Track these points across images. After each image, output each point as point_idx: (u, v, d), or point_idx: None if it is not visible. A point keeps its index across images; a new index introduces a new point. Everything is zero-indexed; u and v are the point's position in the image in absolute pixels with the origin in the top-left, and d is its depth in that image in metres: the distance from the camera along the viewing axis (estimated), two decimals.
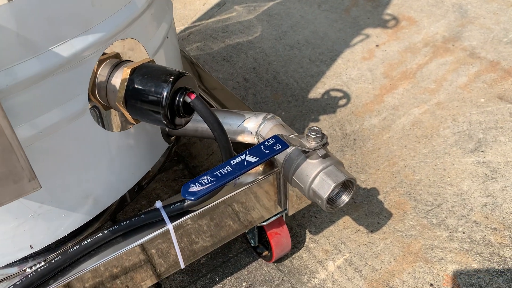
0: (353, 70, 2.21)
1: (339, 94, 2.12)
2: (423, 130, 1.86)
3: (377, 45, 2.33)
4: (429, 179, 1.67)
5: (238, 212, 1.21)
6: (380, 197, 1.64)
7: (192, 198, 0.83)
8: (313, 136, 1.00)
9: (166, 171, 1.86)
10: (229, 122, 1.20)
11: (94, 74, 0.94)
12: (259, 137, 1.18)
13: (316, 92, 2.14)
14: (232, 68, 2.37)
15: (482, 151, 1.74)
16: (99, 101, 0.98)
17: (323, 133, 1.01)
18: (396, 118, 1.93)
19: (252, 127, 1.18)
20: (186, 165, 1.88)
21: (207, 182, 0.87)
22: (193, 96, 0.93)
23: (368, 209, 1.61)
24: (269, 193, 1.23)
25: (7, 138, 0.68)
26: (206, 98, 1.44)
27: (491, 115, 1.87)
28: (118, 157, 1.06)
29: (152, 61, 0.98)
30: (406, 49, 2.28)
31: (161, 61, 1.15)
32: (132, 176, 1.14)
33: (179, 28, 2.73)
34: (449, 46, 2.25)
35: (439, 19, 2.44)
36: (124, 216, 1.71)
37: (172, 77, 0.91)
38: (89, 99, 0.94)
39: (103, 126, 0.99)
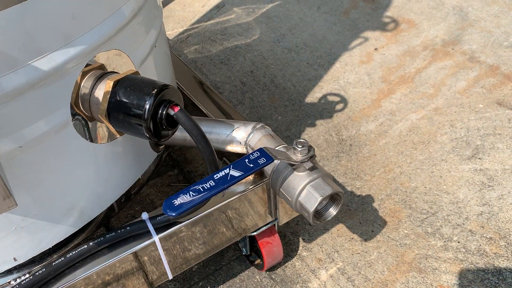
0: (351, 74, 2.19)
1: (336, 99, 2.10)
2: (420, 136, 1.84)
3: (375, 49, 2.31)
4: (425, 187, 1.65)
5: (228, 222, 1.20)
6: (375, 204, 1.63)
7: (173, 214, 0.82)
8: (299, 149, 0.98)
9: (161, 176, 1.85)
10: (218, 132, 1.19)
11: (78, 86, 0.93)
12: (248, 147, 1.16)
13: (313, 96, 2.12)
14: (229, 71, 2.35)
15: (479, 158, 1.71)
16: (83, 112, 0.96)
17: (310, 146, 1.00)
18: (393, 124, 1.91)
19: (241, 137, 1.17)
20: (181, 170, 1.87)
21: (189, 197, 0.86)
22: (176, 109, 0.92)
23: (362, 216, 1.59)
24: (259, 203, 1.21)
25: None
26: (200, 107, 1.43)
27: (489, 121, 1.84)
28: (104, 168, 1.05)
29: (137, 72, 0.97)
30: (405, 53, 2.25)
31: (149, 70, 1.14)
32: (119, 186, 1.13)
33: (177, 30, 2.72)
34: (448, 49, 2.22)
35: (439, 22, 2.41)
36: (117, 221, 1.70)
37: (155, 90, 0.90)
38: (73, 111, 0.93)
39: (88, 138, 0.98)
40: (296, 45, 2.44)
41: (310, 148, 1.00)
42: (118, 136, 1.00)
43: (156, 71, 1.20)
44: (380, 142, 1.85)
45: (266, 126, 1.19)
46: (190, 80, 1.71)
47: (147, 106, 0.89)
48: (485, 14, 2.41)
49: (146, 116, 0.89)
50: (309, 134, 1.94)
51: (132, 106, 0.90)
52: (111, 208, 1.12)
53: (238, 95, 2.20)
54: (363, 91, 2.09)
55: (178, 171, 1.87)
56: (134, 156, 1.14)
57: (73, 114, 0.94)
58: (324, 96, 2.12)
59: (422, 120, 1.91)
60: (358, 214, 1.60)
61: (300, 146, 0.98)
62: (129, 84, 0.92)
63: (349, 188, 1.69)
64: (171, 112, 0.92)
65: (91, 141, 0.99)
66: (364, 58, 2.27)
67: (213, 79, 2.31)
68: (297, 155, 0.99)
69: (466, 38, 2.28)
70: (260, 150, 0.93)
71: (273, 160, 0.92)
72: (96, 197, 1.06)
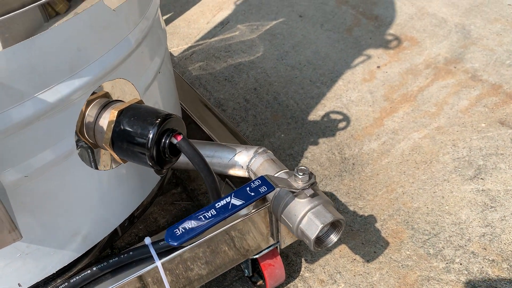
0: (353, 92, 2.21)
1: (339, 117, 2.11)
2: (422, 156, 1.85)
3: (378, 66, 2.33)
4: (427, 207, 1.65)
5: (230, 245, 1.21)
6: (377, 225, 1.63)
7: (175, 244, 0.83)
8: (300, 176, 0.99)
9: (164, 194, 1.86)
10: (220, 156, 1.20)
11: (82, 114, 0.95)
12: (250, 171, 1.18)
13: (316, 114, 2.14)
14: (233, 88, 2.37)
15: (481, 178, 1.72)
16: (88, 140, 0.98)
17: (310, 173, 1.01)
18: (395, 143, 1.92)
19: (243, 162, 1.18)
20: (184, 188, 1.88)
21: (191, 225, 0.87)
22: (179, 138, 0.94)
23: (365, 237, 1.60)
24: (261, 226, 1.22)
25: None
26: (204, 129, 1.44)
27: (491, 141, 1.85)
28: (107, 193, 1.07)
29: (141, 101, 0.99)
30: (408, 71, 2.27)
31: (153, 96, 1.16)
32: (123, 211, 1.14)
33: (182, 47, 2.75)
34: (451, 68, 2.24)
35: (441, 40, 2.42)
36: (120, 240, 1.71)
37: (159, 120, 0.92)
38: (78, 139, 0.95)
39: (92, 165, 1.00)
40: (299, 62, 2.46)
41: (311, 175, 1.01)
42: (122, 163, 1.02)
43: (160, 95, 1.22)
44: (383, 161, 1.85)
45: (268, 151, 1.20)
46: (193, 99, 1.73)
47: (151, 136, 0.90)
48: (487, 32, 2.42)
49: (149, 145, 0.91)
50: (312, 153, 1.95)
51: (136, 136, 0.91)
52: (114, 232, 1.14)
53: (241, 112, 2.21)
54: (366, 109, 2.10)
55: (181, 189, 1.88)
56: (138, 180, 1.16)
57: (78, 142, 0.95)
58: (327, 114, 2.13)
59: (424, 139, 1.91)
60: (361, 234, 1.61)
61: (301, 174, 0.99)
62: (133, 113, 0.94)
63: (351, 208, 1.70)
64: (174, 141, 0.93)
65: (96, 168, 1.00)
66: (367, 76, 2.28)
67: (217, 96, 2.33)
68: (298, 183, 1.00)
69: (469, 56, 2.29)
70: (261, 178, 0.95)
71: (274, 189, 0.93)
72: (100, 222, 1.08)
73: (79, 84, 0.88)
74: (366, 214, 1.67)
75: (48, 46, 0.81)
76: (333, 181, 1.81)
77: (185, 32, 2.86)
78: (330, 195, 1.76)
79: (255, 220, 1.18)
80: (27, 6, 0.76)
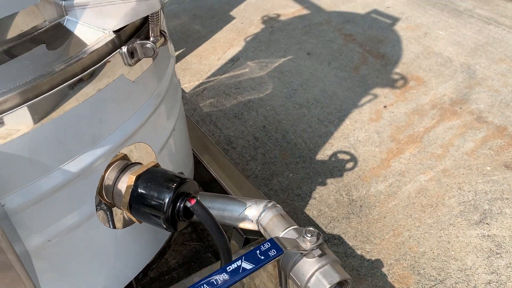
0: (360, 132, 2.26)
1: (347, 157, 2.15)
2: (428, 199, 1.88)
3: (385, 106, 2.38)
4: (433, 252, 1.68)
5: None
6: (384, 269, 1.66)
7: None
8: (308, 238, 1.04)
9: None
10: (231, 209, 1.25)
11: (102, 178, 1.01)
12: (260, 225, 1.22)
13: (324, 153, 2.18)
14: (243, 125, 2.43)
15: (487, 223, 1.74)
16: (106, 200, 1.04)
17: (318, 233, 1.05)
18: (402, 185, 1.96)
19: (252, 216, 1.23)
20: (194, 228, 1.93)
21: None
22: (193, 202, 0.99)
23: (372, 282, 1.62)
24: (269, 278, 1.26)
25: (8, 257, 0.74)
26: (219, 181, 1.50)
27: (497, 185, 1.88)
28: (123, 249, 1.12)
29: (157, 164, 1.05)
30: (414, 111, 2.32)
31: (168, 153, 1.21)
32: (138, 264, 1.19)
33: (194, 83, 2.83)
34: (456, 108, 2.28)
35: (447, 80, 2.47)
36: None
37: (174, 184, 0.97)
38: (97, 201, 1.01)
39: (110, 225, 1.05)
40: (307, 100, 2.52)
41: (318, 236, 1.05)
42: (138, 223, 1.07)
43: (175, 150, 1.28)
44: (390, 204, 1.89)
45: (277, 205, 1.24)
46: (204, 144, 1.79)
47: (167, 200, 0.96)
48: (492, 72, 2.47)
49: (165, 209, 0.96)
50: (320, 193, 1.99)
51: (152, 200, 0.97)
52: (129, 285, 1.18)
53: (250, 151, 2.27)
54: (373, 149, 2.15)
55: (191, 229, 1.92)
56: (152, 234, 1.21)
57: (97, 205, 1.01)
58: (335, 154, 2.18)
59: (430, 181, 1.95)
60: (368, 279, 1.63)
61: (309, 235, 1.04)
62: (150, 177, 0.99)
63: (359, 252, 1.73)
64: (188, 205, 0.98)
65: (113, 227, 1.05)
66: (374, 116, 2.33)
67: (227, 134, 2.39)
68: (306, 243, 1.04)
69: (474, 97, 2.33)
70: (271, 241, 0.99)
71: (283, 252, 0.97)
72: (116, 277, 1.12)
73: (101, 153, 0.94)
74: (373, 258, 1.70)
75: (74, 121, 0.87)
76: (341, 223, 1.85)
77: (197, 68, 2.94)
78: (338, 238, 1.80)
79: (264, 270, 1.22)
80: (55, 88, 0.82)
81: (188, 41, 3.21)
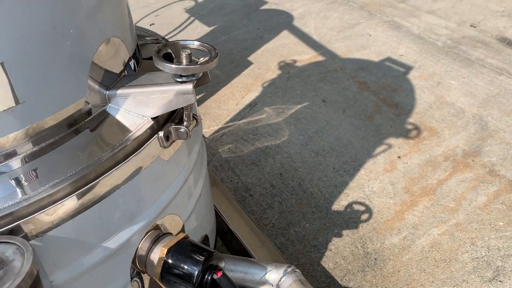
0: (375, 183, 2.32)
1: (362, 208, 2.22)
2: (442, 253, 1.92)
3: (398, 157, 2.45)
4: None
5: None
6: None
7: None
8: None
9: None
10: (252, 273, 1.32)
11: (136, 249, 1.09)
12: None
13: (340, 204, 2.25)
14: (260, 172, 2.51)
15: (500, 281, 1.78)
16: (139, 268, 1.12)
17: None
18: (416, 238, 2.01)
19: (273, 279, 1.30)
20: None
21: None
22: (219, 274, 1.06)
23: None
24: None
25: None
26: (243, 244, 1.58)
27: (510, 241, 1.92)
28: None
29: (186, 236, 1.13)
30: (427, 163, 2.38)
31: (194, 219, 1.30)
32: None
33: (213, 128, 2.93)
34: (469, 161, 2.34)
35: (459, 131, 2.54)
36: None
37: (203, 258, 1.05)
38: (132, 269, 1.09)
39: None
40: (323, 148, 2.60)
41: None
42: None
43: (200, 215, 1.36)
44: (404, 258, 1.94)
45: (297, 270, 1.31)
46: (226, 199, 1.87)
47: (196, 273, 1.04)
48: (504, 124, 2.53)
49: (194, 281, 1.04)
50: (336, 245, 2.05)
51: (182, 272, 1.05)
52: None
53: (267, 199, 2.34)
54: (387, 201, 2.21)
55: None
56: None
57: (131, 273, 1.09)
58: (350, 205, 2.24)
59: (443, 236, 2.00)
60: None
61: None
62: (180, 250, 1.07)
63: None
64: (215, 277, 1.06)
65: None
66: (388, 166, 2.40)
67: (245, 181, 2.48)
68: None
69: (486, 149, 2.39)
70: None
71: None
72: None
73: (137, 229, 1.03)
74: None
75: (116, 204, 0.96)
76: (356, 276, 1.90)
77: (216, 113, 3.05)
78: None
79: None
80: (101, 176, 0.92)
81: (208, 85, 3.34)
